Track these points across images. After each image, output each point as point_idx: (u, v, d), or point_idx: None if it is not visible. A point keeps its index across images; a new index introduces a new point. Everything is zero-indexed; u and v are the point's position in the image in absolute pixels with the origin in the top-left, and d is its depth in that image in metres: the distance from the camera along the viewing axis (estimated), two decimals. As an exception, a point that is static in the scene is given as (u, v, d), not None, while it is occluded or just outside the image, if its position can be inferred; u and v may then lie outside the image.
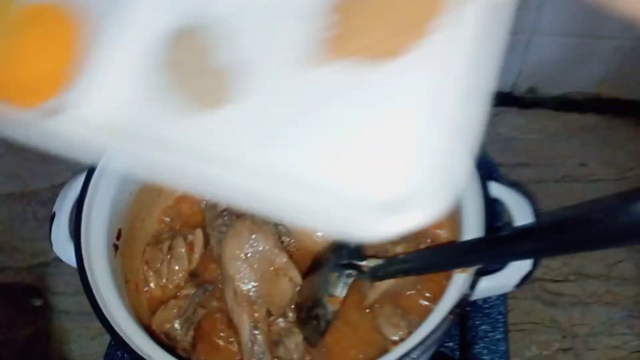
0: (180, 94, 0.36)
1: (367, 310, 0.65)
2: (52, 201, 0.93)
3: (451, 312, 0.48)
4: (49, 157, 0.95)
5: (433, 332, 0.47)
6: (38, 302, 0.85)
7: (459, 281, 0.51)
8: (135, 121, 0.35)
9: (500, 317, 0.76)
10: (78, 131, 0.35)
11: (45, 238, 0.89)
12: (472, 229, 0.54)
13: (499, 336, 0.74)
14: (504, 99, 0.98)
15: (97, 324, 0.80)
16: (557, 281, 0.83)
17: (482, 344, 0.74)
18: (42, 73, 0.38)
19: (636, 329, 0.77)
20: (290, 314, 0.63)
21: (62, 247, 0.59)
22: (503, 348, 0.73)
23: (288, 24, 0.36)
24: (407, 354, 0.47)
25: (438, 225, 0.67)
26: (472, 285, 0.49)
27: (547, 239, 0.39)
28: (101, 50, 0.37)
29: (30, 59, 0.38)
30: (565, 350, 0.77)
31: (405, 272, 0.56)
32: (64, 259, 0.60)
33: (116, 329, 0.51)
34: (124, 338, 0.50)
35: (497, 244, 0.46)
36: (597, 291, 0.81)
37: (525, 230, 0.44)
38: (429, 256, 0.54)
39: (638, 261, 0.83)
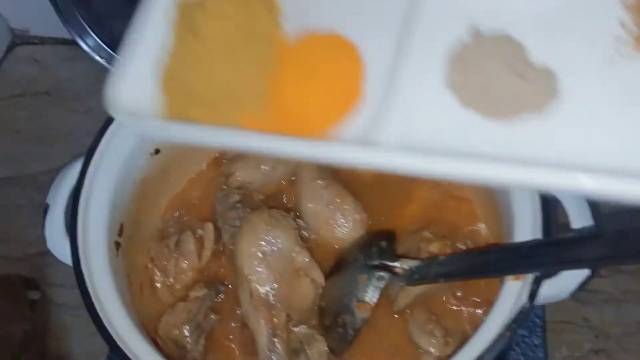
0: (491, 102, 0.37)
1: (396, 316, 0.58)
2: (49, 186, 0.90)
3: (508, 328, 0.41)
4: (46, 138, 0.90)
5: (486, 351, 0.40)
6: (35, 296, 0.80)
7: (511, 290, 0.45)
8: (447, 136, 0.36)
9: (537, 320, 0.70)
10: (387, 156, 0.36)
11: (42, 225, 0.87)
12: (526, 229, 0.47)
13: (536, 342, 0.68)
14: None
15: (99, 318, 0.79)
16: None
17: (518, 351, 0.68)
18: (334, 102, 0.41)
19: (673, 329, 0.73)
20: (313, 320, 0.57)
21: (57, 243, 0.53)
22: (541, 355, 0.67)
23: (581, 24, 0.37)
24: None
25: (476, 219, 0.61)
26: (532, 296, 0.42)
27: (623, 245, 0.33)
28: (388, 71, 0.39)
29: (324, 90, 0.42)
30: (597, 351, 0.73)
31: (448, 277, 0.49)
32: (59, 256, 0.53)
33: (116, 340, 0.45)
34: (126, 351, 0.43)
35: (564, 248, 0.39)
36: (632, 288, 0.76)
37: (597, 233, 0.38)
38: (476, 258, 0.47)
39: (677, 256, 0.77)
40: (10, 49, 1.04)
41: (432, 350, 0.54)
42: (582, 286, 0.48)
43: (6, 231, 0.86)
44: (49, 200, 0.55)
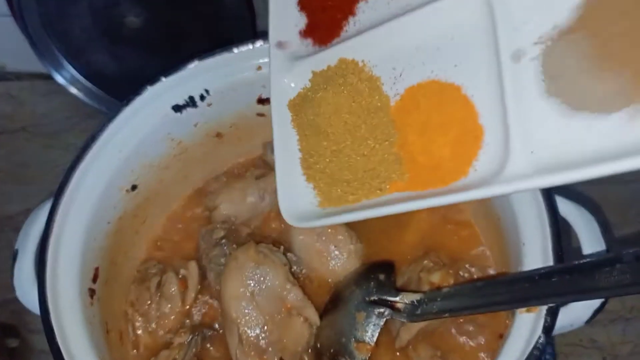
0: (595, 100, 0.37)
1: (398, 353, 0.54)
2: (28, 228, 0.87)
3: (524, 366, 0.37)
4: (24, 176, 0.87)
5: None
6: (14, 343, 0.76)
7: (524, 323, 0.41)
8: (576, 146, 0.38)
9: (547, 347, 0.66)
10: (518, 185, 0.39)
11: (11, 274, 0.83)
12: (536, 255, 0.43)
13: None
14: None
15: (82, 365, 0.75)
16: (595, 296, 0.75)
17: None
18: (462, 144, 0.43)
19: (683, 346, 0.71)
20: (305, 361, 0.52)
21: (27, 291, 0.49)
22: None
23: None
24: None
25: (478, 243, 0.57)
26: (547, 330, 0.38)
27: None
28: (496, 100, 0.40)
29: (450, 137, 0.44)
30: None
31: (453, 312, 0.45)
32: (29, 307, 0.49)
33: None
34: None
35: (581, 275, 0.36)
36: (638, 305, 0.75)
37: (615, 258, 0.34)
38: (483, 290, 0.43)
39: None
40: (-15, 86, 1.02)
41: (439, 389, 0.50)
42: (596, 314, 0.45)
43: (-18, 275, 0.83)
44: (18, 245, 0.51)
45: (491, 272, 0.55)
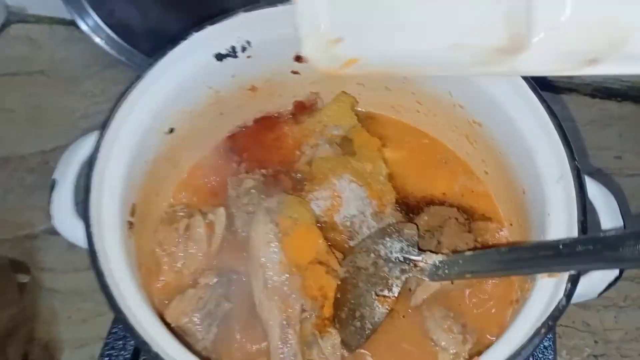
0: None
1: (410, 310, 0.57)
2: (41, 168, 0.86)
3: (544, 325, 0.39)
4: (39, 120, 0.87)
5: (523, 347, 0.38)
6: (25, 279, 0.77)
7: (545, 288, 0.43)
8: None
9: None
10: None
11: (32, 208, 0.83)
12: (560, 226, 0.46)
13: (546, 344, 0.67)
14: (538, 83, 0.93)
15: (90, 305, 0.75)
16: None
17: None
18: None
19: (673, 335, 0.73)
20: (328, 311, 0.55)
21: (65, 221, 0.50)
22: (551, 357, 0.66)
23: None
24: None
25: (495, 222, 0.60)
26: (569, 294, 0.41)
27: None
28: None
29: None
30: (597, 356, 0.73)
31: (475, 273, 0.47)
32: (66, 235, 0.51)
33: (134, 324, 0.42)
34: (141, 332, 0.41)
35: (606, 246, 0.38)
36: (632, 294, 0.77)
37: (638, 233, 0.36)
38: (507, 255, 0.46)
39: (677, 262, 0.78)
40: (4, 26, 1.01)
41: (450, 347, 0.53)
42: (610, 286, 0.47)
43: (-5, 213, 0.83)
44: (57, 176, 0.52)
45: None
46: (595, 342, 0.74)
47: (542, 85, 0.90)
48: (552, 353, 0.65)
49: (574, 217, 0.45)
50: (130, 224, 0.51)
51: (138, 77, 0.53)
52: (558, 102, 0.92)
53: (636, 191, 0.83)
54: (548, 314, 0.41)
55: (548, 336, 0.65)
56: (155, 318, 0.45)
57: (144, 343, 0.43)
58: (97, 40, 0.89)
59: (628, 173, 0.86)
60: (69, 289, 0.77)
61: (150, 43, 0.87)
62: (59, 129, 0.90)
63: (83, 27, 0.88)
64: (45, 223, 0.82)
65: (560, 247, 0.42)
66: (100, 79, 0.95)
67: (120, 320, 0.42)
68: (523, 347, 0.39)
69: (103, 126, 0.51)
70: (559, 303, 0.41)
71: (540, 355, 0.66)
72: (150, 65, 0.54)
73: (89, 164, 0.49)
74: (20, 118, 0.92)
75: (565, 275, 0.43)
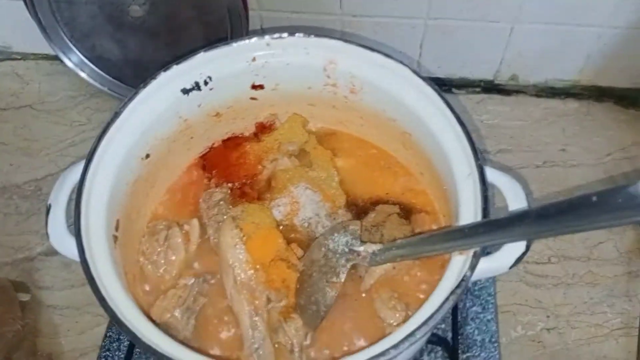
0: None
1: (363, 295, 0.66)
2: (34, 195, 0.94)
3: (452, 292, 0.49)
4: (31, 150, 0.94)
5: (436, 312, 0.48)
6: (25, 297, 0.83)
7: (457, 263, 0.53)
8: None
9: (489, 298, 0.78)
10: None
11: (29, 232, 0.90)
12: (469, 213, 0.55)
13: (489, 317, 0.77)
14: (486, 87, 1.01)
15: (86, 317, 0.82)
16: (541, 263, 0.85)
17: (473, 325, 0.76)
18: None
19: (616, 308, 0.80)
20: (289, 299, 0.64)
21: (60, 239, 0.58)
22: (493, 328, 0.75)
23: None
24: (411, 335, 0.48)
25: (432, 214, 0.69)
26: (472, 267, 0.50)
27: (546, 220, 0.41)
28: None
29: None
30: (549, 329, 0.79)
31: (404, 257, 0.57)
32: (62, 252, 0.59)
33: (121, 318, 0.51)
34: (132, 329, 0.50)
35: (498, 226, 0.47)
36: (579, 272, 0.83)
37: (524, 213, 0.46)
38: (427, 240, 0.56)
39: (617, 243, 0.85)
40: (-7, 64, 1.07)
41: (393, 322, 0.62)
42: (519, 260, 0.57)
43: (-6, 238, 0.89)
44: (51, 201, 0.60)
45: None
46: (547, 316, 0.79)
47: (490, 89, 1.00)
48: (494, 324, 0.74)
49: (479, 205, 0.55)
50: (115, 237, 0.60)
51: (116, 114, 0.62)
52: (507, 103, 1.00)
53: (580, 180, 0.91)
54: (457, 282, 0.50)
55: (491, 310, 0.74)
56: (141, 315, 0.53)
57: (134, 336, 0.51)
58: (82, 75, 0.95)
59: (572, 164, 0.93)
60: (67, 304, 0.84)
61: (131, 72, 0.94)
62: (49, 158, 0.97)
63: (68, 63, 0.94)
64: (41, 246, 0.89)
65: (466, 230, 0.51)
66: (85, 108, 1.01)
67: (112, 318, 0.50)
68: (438, 310, 0.49)
69: (88, 156, 0.60)
70: (464, 274, 0.50)
71: (484, 327, 0.75)
72: (125, 103, 0.63)
73: (78, 189, 0.58)
74: (13, 149, 0.98)
75: (470, 252, 0.52)
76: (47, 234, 0.60)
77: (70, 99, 1.03)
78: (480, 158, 0.56)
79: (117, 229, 0.60)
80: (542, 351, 0.78)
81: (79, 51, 0.94)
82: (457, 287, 0.49)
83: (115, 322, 0.50)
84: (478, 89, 1.00)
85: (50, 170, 0.95)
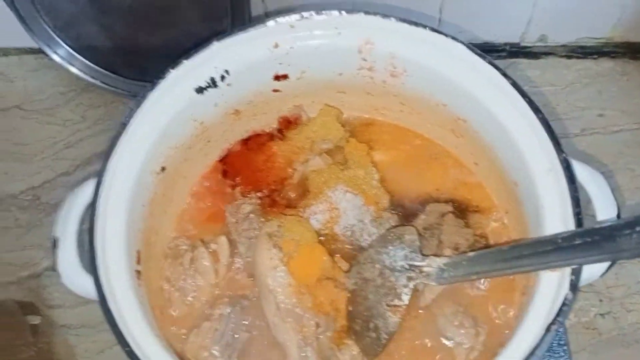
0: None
1: (421, 311, 0.58)
2: (33, 205, 0.86)
3: (554, 321, 0.41)
4: (24, 154, 0.87)
5: (537, 346, 0.40)
6: (36, 320, 0.77)
7: (550, 282, 0.45)
8: None
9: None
10: None
11: (31, 247, 0.83)
12: (555, 219, 0.47)
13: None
14: (513, 51, 0.93)
15: (104, 336, 0.75)
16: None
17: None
18: None
19: (673, 287, 0.75)
20: (342, 323, 0.56)
21: (74, 278, 0.51)
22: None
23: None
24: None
25: (490, 211, 0.61)
26: (574, 286, 0.42)
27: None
28: None
29: None
30: (603, 315, 0.75)
31: (480, 274, 0.49)
32: (77, 292, 0.52)
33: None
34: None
35: (605, 239, 0.39)
36: None
37: (635, 221, 0.38)
38: (508, 253, 0.47)
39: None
40: (-28, 63, 0.99)
41: (463, 342, 0.55)
42: (610, 268, 0.49)
43: (-6, 255, 0.82)
44: (58, 233, 0.52)
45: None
46: (600, 300, 0.75)
47: (519, 53, 0.92)
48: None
49: (569, 209, 0.46)
50: (138, 272, 0.52)
51: (123, 125, 0.53)
52: (536, 67, 0.93)
53: (622, 147, 0.84)
54: (556, 309, 0.42)
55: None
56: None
57: None
58: (71, 68, 0.88)
59: (612, 130, 0.87)
60: (81, 323, 0.78)
61: (122, 61, 0.87)
62: (45, 162, 0.89)
63: (54, 57, 0.87)
64: (46, 260, 0.82)
65: (559, 241, 0.43)
66: (77, 105, 0.93)
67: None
68: (537, 346, 0.41)
69: (98, 178, 0.51)
70: (565, 297, 0.42)
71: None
72: (132, 110, 0.54)
73: (91, 219, 0.49)
74: (5, 156, 0.90)
75: (568, 268, 0.44)
76: (57, 272, 0.53)
77: (60, 95, 0.95)
78: (564, 151, 0.47)
79: (138, 261, 0.52)
80: (597, 338, 0.74)
81: (64, 42, 0.86)
82: (559, 313, 0.41)
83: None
84: (504, 54, 0.93)
85: (47, 177, 0.88)
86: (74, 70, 0.88)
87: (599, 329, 0.74)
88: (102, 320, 0.74)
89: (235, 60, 0.57)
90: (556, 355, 0.65)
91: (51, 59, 0.87)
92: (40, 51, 0.88)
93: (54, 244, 0.52)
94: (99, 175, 0.51)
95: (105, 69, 0.88)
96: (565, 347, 0.66)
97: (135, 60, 0.85)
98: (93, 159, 0.87)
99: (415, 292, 0.57)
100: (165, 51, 0.81)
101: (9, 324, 0.75)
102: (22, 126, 0.93)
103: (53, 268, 0.53)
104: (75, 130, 0.92)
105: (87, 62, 0.88)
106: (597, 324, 0.74)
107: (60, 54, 0.87)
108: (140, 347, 0.45)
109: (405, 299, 0.53)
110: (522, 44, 0.92)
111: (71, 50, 0.87)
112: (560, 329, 0.65)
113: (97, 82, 0.88)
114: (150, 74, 0.85)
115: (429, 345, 0.56)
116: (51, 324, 0.78)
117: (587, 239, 0.41)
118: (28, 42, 0.88)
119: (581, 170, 0.50)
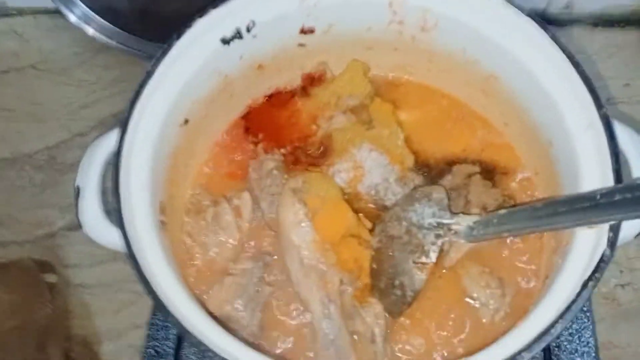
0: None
1: (445, 271, 0.57)
2: (48, 165, 0.85)
3: (591, 277, 0.40)
4: (39, 115, 0.86)
5: (574, 302, 0.39)
6: (52, 278, 0.78)
7: (586, 239, 0.43)
8: None
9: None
10: None
11: (46, 206, 0.83)
12: (594, 175, 0.45)
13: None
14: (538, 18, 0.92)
15: (120, 295, 0.76)
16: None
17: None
18: None
19: (693, 256, 0.74)
20: (365, 280, 0.55)
21: (96, 227, 0.50)
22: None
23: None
24: (546, 331, 0.39)
25: (521, 166, 0.59)
26: (612, 244, 0.41)
27: None
28: None
29: None
30: (623, 285, 0.75)
31: (512, 232, 0.47)
32: (99, 241, 0.51)
33: (189, 328, 0.42)
34: (200, 337, 0.41)
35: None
36: None
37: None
38: (543, 211, 0.45)
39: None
40: (-14, 22, 0.97)
41: (489, 302, 0.54)
42: (646, 227, 0.48)
43: (9, 214, 0.83)
44: (80, 182, 0.51)
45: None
46: (621, 271, 0.75)
47: (544, 20, 0.90)
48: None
49: (608, 166, 0.45)
50: (163, 222, 0.51)
51: (148, 74, 0.52)
52: (561, 36, 0.91)
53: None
54: (593, 265, 0.41)
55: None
56: (201, 311, 0.45)
57: (206, 347, 0.43)
58: (92, 31, 0.86)
59: (638, 100, 0.85)
60: (97, 282, 0.78)
61: (139, 22, 0.85)
62: (60, 122, 0.89)
63: (71, 18, 0.85)
64: (62, 220, 0.82)
65: (598, 197, 0.41)
66: (92, 66, 0.92)
67: (176, 326, 0.42)
68: (573, 302, 0.40)
69: (122, 127, 0.50)
70: (603, 254, 0.41)
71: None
72: (157, 59, 0.52)
73: (114, 168, 0.48)
74: (20, 116, 0.90)
75: (605, 225, 0.43)
76: (78, 221, 0.53)
77: (75, 56, 0.93)
78: (604, 106, 0.45)
79: (163, 212, 0.52)
80: (617, 309, 0.74)
81: (82, 2, 0.85)
82: (596, 269, 0.40)
83: (179, 330, 0.42)
84: None
85: (63, 137, 0.88)
86: (90, 30, 0.86)
87: (619, 299, 0.74)
88: (117, 280, 0.77)
89: (262, 10, 0.56)
90: (579, 321, 0.64)
91: (67, 20, 0.86)
92: (55, 11, 0.87)
93: (77, 193, 0.51)
94: (123, 124, 0.50)
95: (123, 30, 0.86)
96: (588, 314, 0.65)
97: (152, 22, 0.84)
98: (108, 120, 0.86)
99: (441, 252, 0.56)
100: (184, 12, 0.81)
101: (26, 282, 0.76)
102: (36, 86, 0.92)
103: (76, 217, 0.52)
104: (90, 91, 0.91)
105: (103, 21, 0.86)
106: (617, 295, 0.74)
107: (77, 14, 0.86)
108: (167, 295, 0.44)
109: (433, 256, 0.52)
110: (547, 12, 0.90)
111: (89, 11, 0.85)
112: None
113: (113, 43, 0.87)
114: (167, 35, 0.86)
115: (453, 305, 0.55)
116: (67, 283, 0.78)
117: (628, 195, 0.39)
118: (43, 2, 0.89)
119: (619, 130, 0.48)
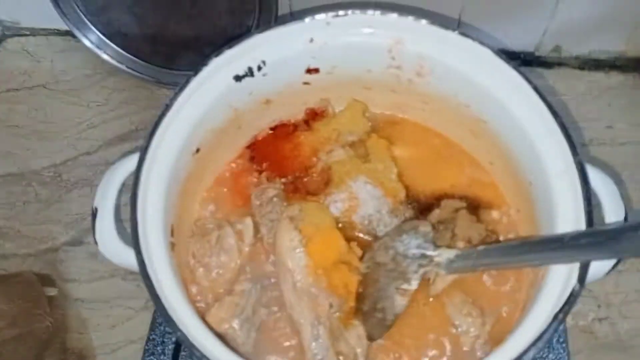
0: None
1: (431, 299, 0.61)
2: (54, 182, 0.88)
3: (561, 310, 0.44)
4: (48, 132, 0.88)
5: (542, 334, 0.43)
6: (52, 292, 0.79)
7: (559, 274, 0.48)
8: None
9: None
10: None
11: (50, 222, 0.85)
12: (568, 217, 0.50)
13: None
14: (527, 59, 0.95)
15: (116, 311, 0.78)
16: (590, 251, 0.81)
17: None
18: None
19: (671, 297, 0.76)
20: (350, 304, 0.59)
21: (111, 247, 0.53)
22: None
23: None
24: (521, 356, 0.43)
25: (505, 205, 0.64)
26: (581, 279, 0.45)
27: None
28: None
29: None
30: (601, 320, 0.76)
31: (487, 266, 0.52)
32: (114, 260, 0.54)
33: (196, 345, 0.46)
34: (205, 352, 0.45)
35: (610, 238, 0.42)
36: (630, 259, 0.79)
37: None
38: (518, 249, 0.50)
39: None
40: (0, 41, 1.00)
41: (470, 330, 0.58)
42: (616, 266, 0.52)
43: (14, 228, 0.85)
44: (97, 204, 0.55)
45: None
46: (599, 306, 0.76)
47: (532, 62, 0.94)
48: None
49: (581, 208, 0.49)
50: (172, 244, 0.55)
51: (167, 106, 0.56)
52: (549, 77, 0.95)
53: (628, 159, 0.86)
54: (564, 299, 0.45)
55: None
56: (213, 338, 0.48)
57: (199, 352, 0.46)
58: (101, 54, 0.89)
59: (619, 142, 0.88)
60: (95, 297, 0.80)
61: (150, 49, 0.88)
62: (68, 141, 0.91)
63: (85, 41, 0.88)
64: (65, 235, 0.84)
65: (566, 239, 0.46)
66: (102, 88, 0.95)
67: (185, 344, 0.45)
68: (544, 332, 0.44)
69: (141, 154, 0.54)
70: (573, 289, 0.45)
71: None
72: (176, 94, 0.57)
73: (133, 192, 0.52)
74: (28, 133, 0.92)
75: (576, 263, 0.47)
76: (94, 240, 0.56)
77: (85, 77, 0.96)
78: (579, 153, 0.50)
79: (172, 234, 0.55)
80: (594, 342, 0.75)
81: (95, 27, 0.88)
82: (566, 303, 0.44)
83: (186, 344, 0.45)
84: (518, 61, 0.94)
85: (70, 155, 0.90)
86: (103, 55, 0.89)
87: (596, 333, 0.74)
88: (115, 296, 0.79)
89: (272, 51, 0.60)
90: (556, 351, 0.68)
91: (79, 42, 0.89)
92: (67, 33, 0.90)
93: (94, 214, 0.55)
94: (143, 151, 0.54)
95: (133, 55, 0.89)
96: (564, 345, 0.69)
97: (163, 49, 0.87)
98: (115, 141, 0.89)
99: (427, 281, 0.60)
100: (193, 41, 0.85)
101: (27, 294, 0.77)
102: (47, 105, 0.95)
103: (93, 236, 0.55)
104: (99, 112, 0.93)
105: (115, 47, 0.89)
106: (595, 328, 0.75)
107: (91, 38, 0.88)
108: (175, 311, 0.48)
109: (414, 284, 0.56)
110: (537, 53, 0.94)
111: (101, 36, 0.88)
112: (561, 327, 0.68)
113: (124, 67, 0.90)
114: (176, 62, 0.89)
115: (436, 331, 0.59)
116: (66, 297, 0.80)
117: (592, 239, 0.44)
118: (56, 24, 0.91)
119: (593, 174, 0.53)
